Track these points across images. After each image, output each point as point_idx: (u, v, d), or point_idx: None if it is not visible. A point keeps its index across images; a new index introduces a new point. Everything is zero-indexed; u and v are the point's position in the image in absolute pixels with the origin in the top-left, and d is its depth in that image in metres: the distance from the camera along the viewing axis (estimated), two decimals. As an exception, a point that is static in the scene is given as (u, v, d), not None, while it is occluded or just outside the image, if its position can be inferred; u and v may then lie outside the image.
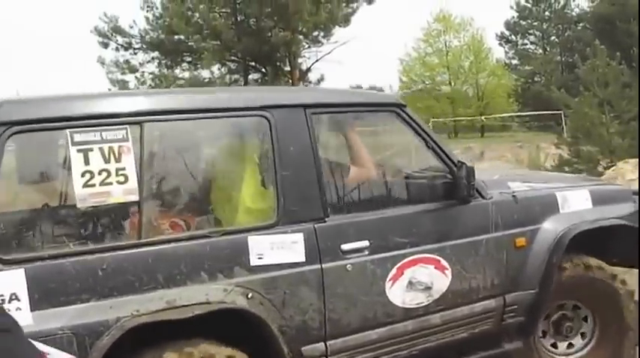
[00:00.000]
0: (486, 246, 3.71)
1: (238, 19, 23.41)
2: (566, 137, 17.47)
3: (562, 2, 41.22)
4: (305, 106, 3.29)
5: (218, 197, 3.41)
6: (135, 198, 2.85)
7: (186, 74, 24.42)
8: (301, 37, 23.70)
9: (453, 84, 33.63)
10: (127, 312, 2.72)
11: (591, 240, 4.06)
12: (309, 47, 24.98)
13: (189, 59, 24.29)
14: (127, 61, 23.69)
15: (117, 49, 23.94)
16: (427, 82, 34.62)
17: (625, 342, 4.20)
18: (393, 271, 3.38)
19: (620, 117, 19.03)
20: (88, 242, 2.87)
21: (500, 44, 42.54)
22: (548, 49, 42.18)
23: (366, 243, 3.29)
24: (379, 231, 3.37)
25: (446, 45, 35.04)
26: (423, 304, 3.51)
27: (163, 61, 24.23)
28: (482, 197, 3.72)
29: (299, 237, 3.14)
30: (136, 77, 23.87)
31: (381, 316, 3.36)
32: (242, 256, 3.01)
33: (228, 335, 2.98)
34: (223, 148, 3.60)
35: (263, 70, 24.98)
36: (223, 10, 23.45)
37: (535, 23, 41.84)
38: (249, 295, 2.96)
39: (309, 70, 25.54)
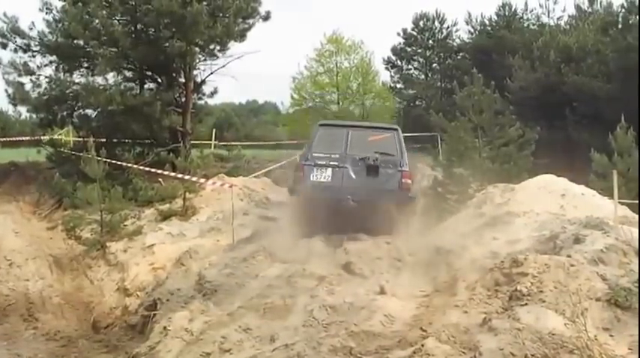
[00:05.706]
0: None
1: (137, 27, 23.34)
2: (441, 159, 18.58)
3: (444, 33, 44.21)
4: None
5: None
6: None
7: (83, 79, 23.79)
8: (197, 49, 23.65)
9: (341, 103, 34.75)
10: None
11: None
12: (204, 60, 25.05)
13: (86, 65, 23.79)
14: (25, 63, 23.09)
15: (15, 51, 23.37)
16: (317, 100, 35.74)
17: None
18: None
19: (491, 143, 20.71)
20: None
21: (387, 68, 44.69)
22: (430, 75, 44.76)
23: None
24: None
25: (337, 65, 36.14)
26: None
27: (61, 65, 23.66)
28: None
29: None
30: (31, 80, 23.31)
31: None
32: None
33: None
34: None
35: (158, 79, 24.83)
36: (123, 17, 23.34)
37: (419, 50, 44.39)
38: None
39: (203, 82, 25.60)
